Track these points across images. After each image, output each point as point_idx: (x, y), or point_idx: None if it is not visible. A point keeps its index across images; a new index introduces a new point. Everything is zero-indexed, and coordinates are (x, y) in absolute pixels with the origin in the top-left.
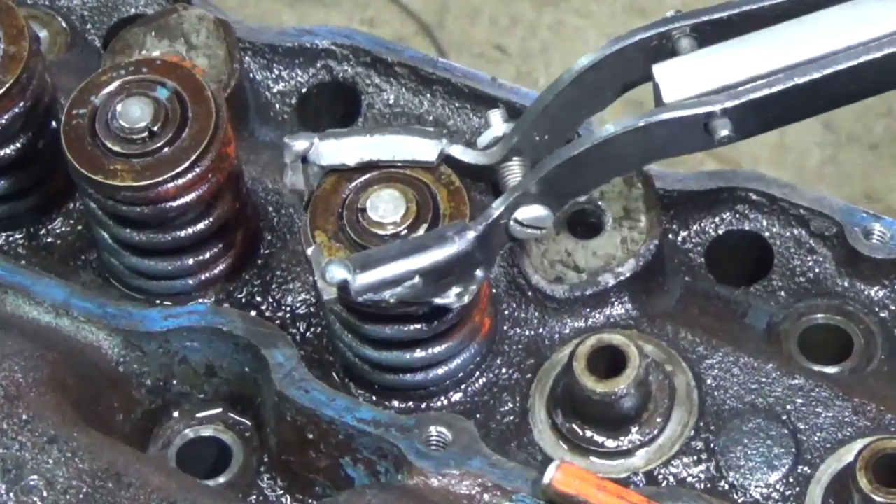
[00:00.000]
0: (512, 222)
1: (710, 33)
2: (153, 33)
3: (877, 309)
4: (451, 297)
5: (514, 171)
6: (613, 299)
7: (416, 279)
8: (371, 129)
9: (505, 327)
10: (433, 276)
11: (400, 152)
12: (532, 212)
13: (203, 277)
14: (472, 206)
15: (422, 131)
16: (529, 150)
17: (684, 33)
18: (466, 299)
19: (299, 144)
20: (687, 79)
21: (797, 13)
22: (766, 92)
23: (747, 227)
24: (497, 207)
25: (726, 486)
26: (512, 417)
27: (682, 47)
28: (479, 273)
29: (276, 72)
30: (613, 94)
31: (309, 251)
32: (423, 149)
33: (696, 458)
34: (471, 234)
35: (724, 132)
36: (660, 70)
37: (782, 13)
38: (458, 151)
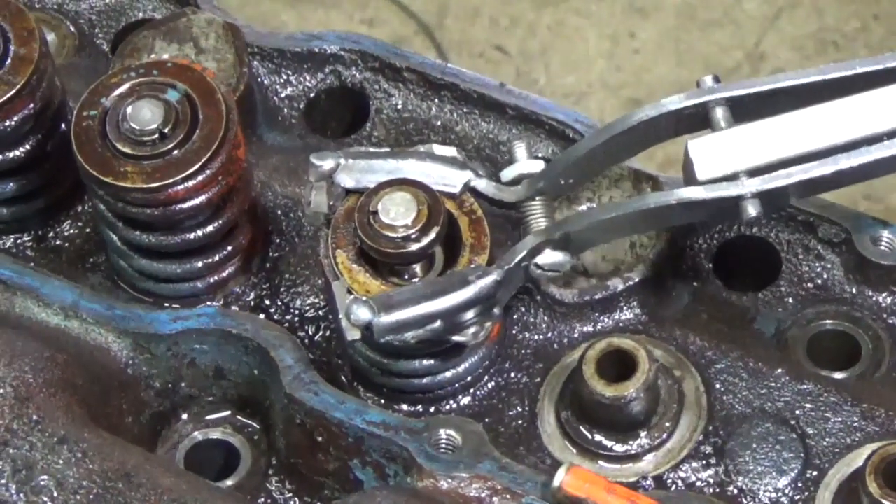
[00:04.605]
0: (532, 265)
1: (745, 106)
2: (162, 37)
3: (885, 315)
4: (467, 336)
5: (537, 212)
6: (622, 304)
7: (438, 322)
8: (397, 153)
9: (514, 331)
10: (453, 317)
11: (424, 179)
12: (553, 257)
13: (212, 280)
14: (491, 236)
15: (449, 160)
16: (552, 191)
17: (719, 103)
18: (482, 336)
19: (326, 164)
20: (720, 157)
21: (831, 93)
22: (799, 178)
23: (755, 233)
24: (519, 253)
25: (735, 491)
26: (521, 421)
27: (716, 117)
28: (495, 311)
29: (285, 76)
30: (641, 149)
31: (334, 286)
32: (449, 178)
33: (704, 462)
34: (492, 279)
35: (753, 213)
36: (694, 147)
37: (816, 92)
38: (483, 185)
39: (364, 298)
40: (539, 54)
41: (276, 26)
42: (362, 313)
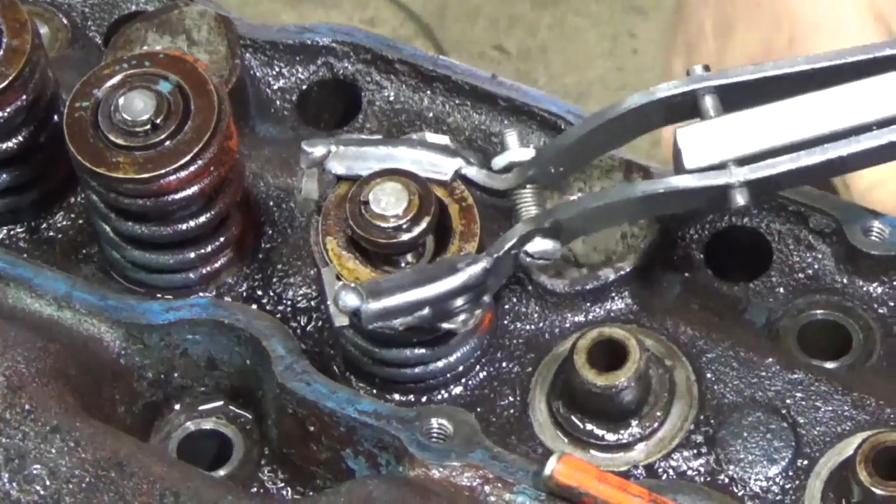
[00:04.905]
0: (522, 253)
1: (734, 94)
2: (154, 29)
3: (875, 305)
4: (457, 323)
5: (527, 200)
6: (613, 294)
7: (426, 309)
8: (389, 140)
9: (505, 321)
10: (442, 304)
11: (415, 166)
12: (543, 245)
13: (204, 271)
14: (482, 224)
15: (441, 148)
16: (543, 179)
17: (709, 91)
18: (472, 324)
19: (317, 151)
20: (709, 146)
21: (821, 82)
22: (789, 167)
23: (746, 224)
24: (509, 240)
25: (726, 480)
26: (512, 411)
27: (706, 105)
28: (485, 299)
29: (277, 68)
30: (631, 137)
31: (323, 272)
32: (440, 165)
33: (695, 451)
34: (481, 266)
35: (742, 202)
36: (683, 135)
37: (806, 81)
38: (473, 173)
39: (353, 285)
40: (539, 54)
41: None
42: (350, 299)
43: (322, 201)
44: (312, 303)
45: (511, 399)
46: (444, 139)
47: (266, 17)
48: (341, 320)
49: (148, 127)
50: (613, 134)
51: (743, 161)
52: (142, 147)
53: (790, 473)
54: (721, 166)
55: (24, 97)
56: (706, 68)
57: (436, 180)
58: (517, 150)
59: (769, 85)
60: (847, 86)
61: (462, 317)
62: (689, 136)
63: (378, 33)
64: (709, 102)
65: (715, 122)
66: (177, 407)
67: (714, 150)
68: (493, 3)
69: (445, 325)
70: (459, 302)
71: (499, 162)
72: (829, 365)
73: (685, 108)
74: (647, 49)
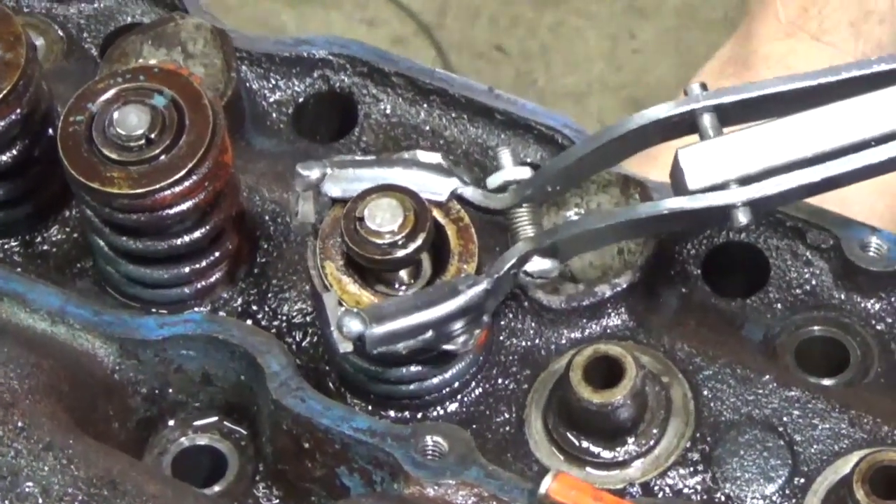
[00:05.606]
0: (521, 273)
1: (732, 112)
2: (150, 42)
3: (873, 321)
4: (457, 344)
5: (524, 219)
6: (610, 310)
7: (429, 332)
8: (383, 161)
9: (501, 337)
10: (443, 326)
11: (411, 187)
12: (541, 264)
13: (199, 286)
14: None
15: (435, 168)
16: (539, 197)
17: (707, 110)
18: (472, 344)
19: (313, 174)
20: (711, 166)
21: (819, 98)
22: (790, 185)
23: (744, 239)
24: (508, 261)
25: (722, 498)
26: (508, 428)
27: (704, 124)
28: (484, 318)
29: (273, 81)
30: (628, 155)
31: (325, 297)
32: (435, 186)
33: (692, 469)
34: (482, 288)
35: (744, 221)
36: (685, 156)
37: (804, 97)
38: (469, 193)
39: (355, 310)
40: (539, 54)
41: (277, 26)
42: (354, 325)
43: (318, 224)
44: (308, 318)
45: (506, 416)
46: (436, 157)
47: (266, 16)
48: (345, 346)
49: (142, 142)
50: (611, 153)
51: (744, 180)
52: (136, 162)
53: (787, 492)
54: (723, 186)
55: (18, 111)
56: (703, 87)
57: (432, 201)
58: (511, 168)
59: (767, 102)
60: (844, 102)
61: (462, 338)
62: (691, 156)
63: (377, 34)
64: (707, 121)
65: (715, 141)
66: (171, 422)
67: (716, 170)
68: (493, 3)
69: (446, 347)
70: (460, 323)
71: (493, 181)
72: (827, 382)
73: (683, 126)
74: (648, 49)
